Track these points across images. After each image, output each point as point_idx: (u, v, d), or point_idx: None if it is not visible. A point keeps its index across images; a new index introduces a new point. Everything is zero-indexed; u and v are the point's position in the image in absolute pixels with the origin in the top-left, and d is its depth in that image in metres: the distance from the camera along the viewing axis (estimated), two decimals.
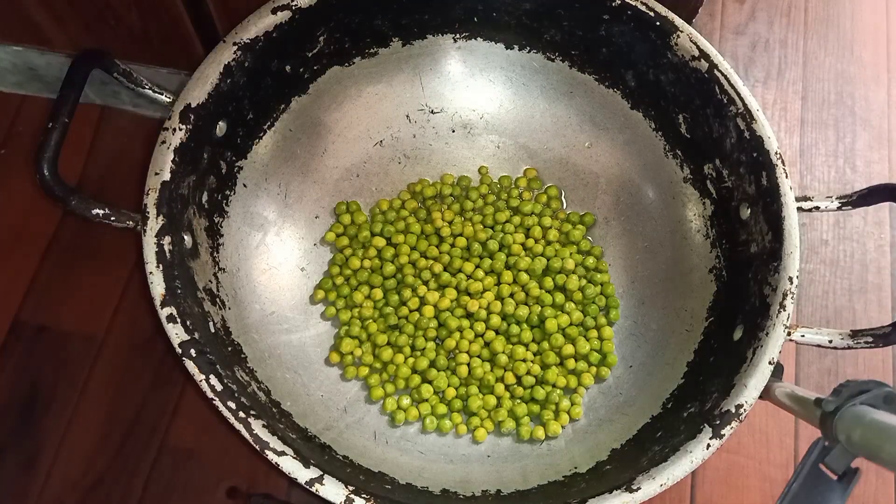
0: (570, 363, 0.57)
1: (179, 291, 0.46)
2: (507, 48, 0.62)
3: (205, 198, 0.53)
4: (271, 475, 0.61)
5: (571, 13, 0.57)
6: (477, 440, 0.55)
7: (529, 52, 0.62)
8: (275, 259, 0.59)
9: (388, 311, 0.58)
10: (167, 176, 0.47)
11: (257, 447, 0.42)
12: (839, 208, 0.51)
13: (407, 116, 0.64)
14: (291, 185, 0.61)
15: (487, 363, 0.57)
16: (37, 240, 0.67)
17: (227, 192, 0.56)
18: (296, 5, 0.52)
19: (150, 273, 0.45)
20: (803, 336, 0.48)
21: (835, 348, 0.49)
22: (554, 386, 0.56)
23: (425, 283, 0.59)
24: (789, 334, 0.47)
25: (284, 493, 0.60)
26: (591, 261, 0.60)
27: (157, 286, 0.45)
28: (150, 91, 0.51)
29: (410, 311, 0.58)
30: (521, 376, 0.56)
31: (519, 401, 0.56)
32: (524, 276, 0.59)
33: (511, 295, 0.59)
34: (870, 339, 0.47)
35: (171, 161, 0.47)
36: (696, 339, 0.55)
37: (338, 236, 0.61)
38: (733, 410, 0.44)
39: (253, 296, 0.56)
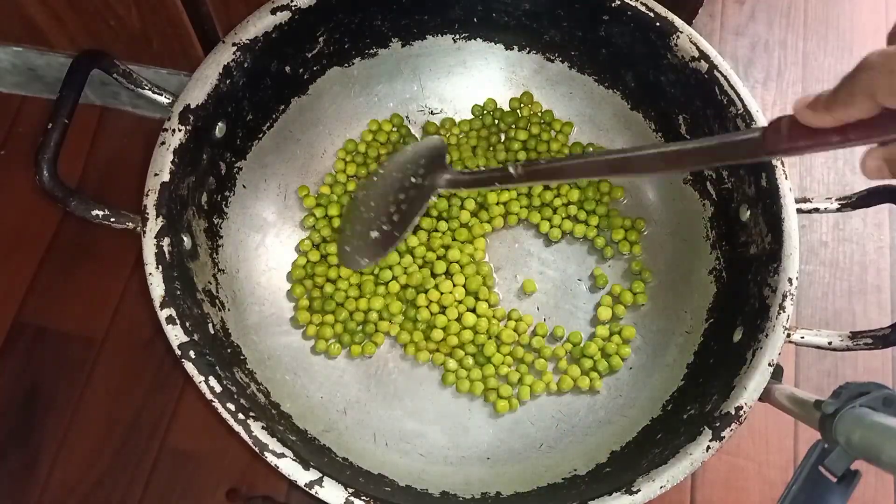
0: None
1: (179, 293, 0.45)
2: (506, 49, 0.62)
3: (204, 199, 0.53)
4: (271, 477, 0.61)
5: (571, 14, 0.57)
6: (498, 411, 0.55)
7: (529, 52, 0.62)
8: (274, 260, 0.59)
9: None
10: (166, 177, 0.47)
11: (257, 449, 0.42)
12: (839, 210, 0.51)
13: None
14: (291, 187, 0.61)
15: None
16: (37, 241, 0.67)
17: (227, 194, 0.56)
18: (295, 6, 0.52)
19: (150, 274, 0.45)
20: (803, 338, 0.48)
21: (834, 350, 0.49)
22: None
23: None
24: (789, 336, 0.47)
25: (284, 495, 0.60)
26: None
27: (157, 287, 0.45)
28: (150, 92, 0.51)
29: None
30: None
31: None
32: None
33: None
34: (869, 341, 0.47)
35: (171, 162, 0.47)
36: (695, 341, 0.55)
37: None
38: (733, 412, 0.44)
39: (252, 297, 0.56)
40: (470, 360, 0.57)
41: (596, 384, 0.56)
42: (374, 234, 0.49)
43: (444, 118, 0.64)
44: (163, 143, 0.48)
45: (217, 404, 0.42)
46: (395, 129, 0.63)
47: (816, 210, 0.51)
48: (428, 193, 0.48)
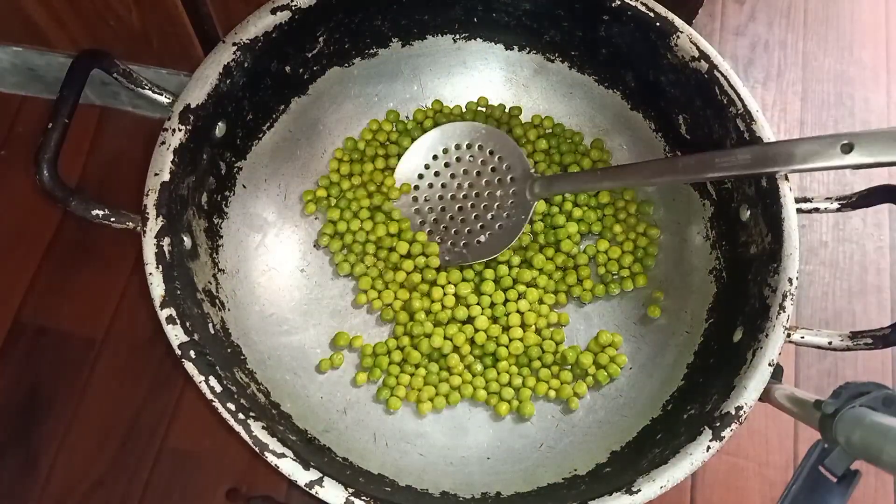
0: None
1: (179, 293, 0.45)
2: (506, 49, 0.62)
3: (204, 199, 0.53)
4: (271, 477, 0.61)
5: (571, 14, 0.57)
6: (500, 414, 0.55)
7: (529, 52, 0.62)
8: (274, 260, 0.59)
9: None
10: (167, 177, 0.47)
11: (257, 449, 0.42)
12: (839, 209, 0.51)
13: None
14: (291, 187, 0.61)
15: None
16: (37, 241, 0.67)
17: (227, 193, 0.56)
18: (295, 5, 0.52)
19: (150, 274, 0.45)
20: (803, 337, 0.48)
21: (834, 350, 0.48)
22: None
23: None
24: (789, 336, 0.47)
25: (284, 494, 0.60)
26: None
27: (157, 287, 0.45)
28: (150, 91, 0.51)
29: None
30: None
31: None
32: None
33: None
34: (869, 341, 0.47)
35: (171, 162, 0.47)
36: (696, 341, 0.55)
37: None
38: (733, 412, 0.44)
39: (252, 297, 0.56)
40: (479, 367, 0.56)
41: (580, 389, 0.56)
42: None
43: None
44: (163, 142, 0.48)
45: (217, 404, 0.42)
46: (395, 129, 0.63)
47: (816, 210, 0.51)
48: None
